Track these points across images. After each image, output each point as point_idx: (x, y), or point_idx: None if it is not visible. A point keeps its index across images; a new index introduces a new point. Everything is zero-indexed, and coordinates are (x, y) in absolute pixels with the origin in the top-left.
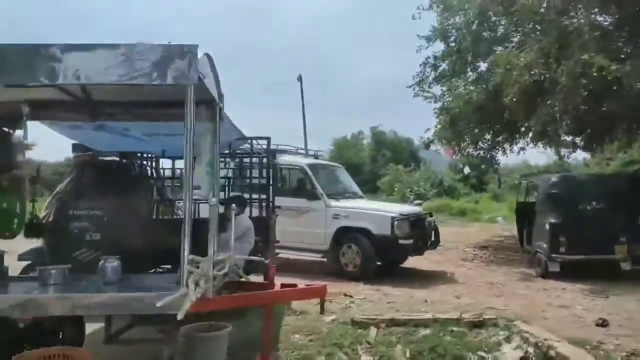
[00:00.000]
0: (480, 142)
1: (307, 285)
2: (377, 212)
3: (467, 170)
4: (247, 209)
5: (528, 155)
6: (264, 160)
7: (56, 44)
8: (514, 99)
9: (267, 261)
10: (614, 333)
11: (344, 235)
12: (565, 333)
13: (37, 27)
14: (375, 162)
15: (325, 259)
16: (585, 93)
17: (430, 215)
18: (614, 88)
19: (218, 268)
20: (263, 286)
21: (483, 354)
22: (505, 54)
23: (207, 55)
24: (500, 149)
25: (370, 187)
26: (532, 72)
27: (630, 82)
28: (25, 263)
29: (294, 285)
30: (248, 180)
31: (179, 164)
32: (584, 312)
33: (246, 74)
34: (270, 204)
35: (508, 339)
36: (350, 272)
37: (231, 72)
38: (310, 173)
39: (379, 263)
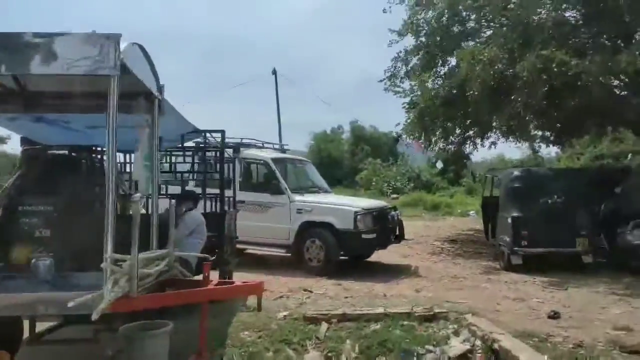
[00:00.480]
0: (450, 137)
1: (243, 282)
2: (340, 206)
3: (439, 165)
4: (202, 205)
5: (504, 149)
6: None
7: None
8: (477, 94)
9: (212, 257)
10: (564, 325)
11: (308, 230)
12: (516, 325)
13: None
14: (354, 156)
15: (289, 254)
16: (545, 88)
17: (395, 209)
18: (578, 83)
19: (151, 266)
20: (198, 284)
21: (431, 347)
22: (470, 50)
23: (138, 45)
24: (470, 143)
25: (349, 182)
26: (496, 67)
27: (589, 78)
28: None
29: (230, 283)
30: (201, 175)
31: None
32: (540, 305)
33: (226, 66)
34: (230, 199)
35: (457, 333)
36: (313, 267)
37: (211, 64)
38: (274, 167)
39: (344, 257)
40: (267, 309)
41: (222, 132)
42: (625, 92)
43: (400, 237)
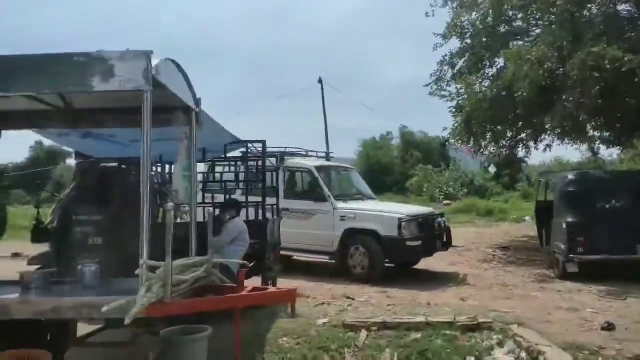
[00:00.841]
0: (501, 140)
1: (277, 288)
2: (384, 213)
3: (492, 169)
4: (245, 212)
5: (563, 152)
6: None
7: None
8: (526, 94)
9: (250, 265)
10: (619, 337)
11: (352, 236)
12: (565, 337)
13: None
14: (404, 162)
15: (333, 261)
16: (599, 87)
17: (442, 216)
18: (635, 80)
19: (187, 272)
20: (232, 290)
21: (472, 358)
22: (517, 49)
23: (171, 61)
24: (523, 146)
25: (400, 188)
26: (545, 66)
27: None
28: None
29: (264, 289)
30: (244, 184)
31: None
32: (594, 315)
33: (270, 77)
34: (273, 206)
35: (501, 344)
36: (357, 274)
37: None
38: (317, 175)
39: (389, 265)
40: (308, 315)
41: (263, 142)
42: None
43: (447, 244)
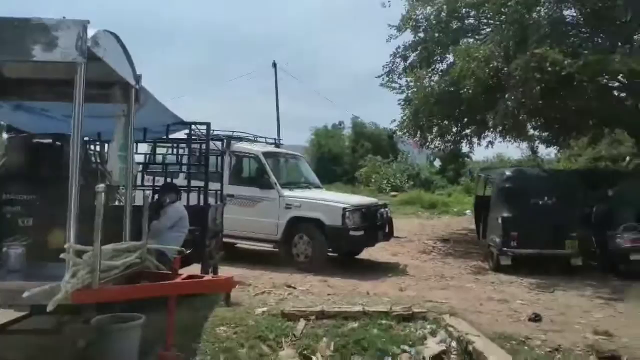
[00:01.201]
0: (447, 135)
1: (215, 276)
2: (329, 202)
3: (437, 163)
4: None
5: (505, 149)
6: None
7: None
8: (471, 91)
9: (188, 252)
10: (544, 328)
11: (297, 225)
12: (495, 327)
13: None
14: (355, 152)
15: (277, 249)
16: (539, 87)
17: (385, 207)
18: (573, 83)
19: (119, 257)
20: (166, 277)
21: (406, 347)
22: (465, 47)
23: (111, 33)
24: (467, 142)
25: (350, 178)
26: (491, 65)
27: (583, 78)
28: None
29: (201, 277)
30: (186, 168)
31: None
32: (523, 307)
33: (226, 58)
34: (217, 192)
35: (434, 333)
36: (301, 262)
37: (212, 58)
38: (264, 161)
39: (332, 254)
40: (247, 304)
41: (208, 124)
42: (621, 93)
43: (389, 235)
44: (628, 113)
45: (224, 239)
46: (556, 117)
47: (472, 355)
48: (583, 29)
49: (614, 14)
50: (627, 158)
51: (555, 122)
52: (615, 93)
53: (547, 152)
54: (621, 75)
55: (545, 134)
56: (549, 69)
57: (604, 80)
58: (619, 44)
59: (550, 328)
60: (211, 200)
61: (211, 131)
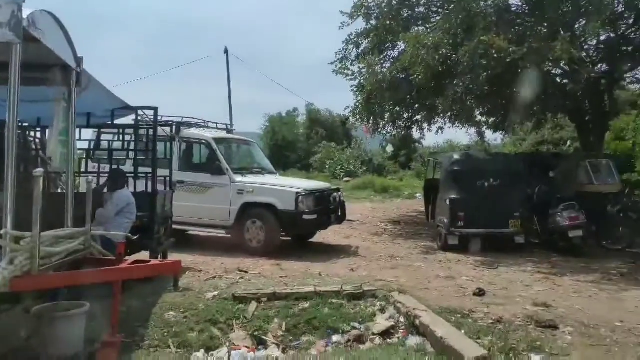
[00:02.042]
0: (398, 121)
1: (161, 261)
2: (282, 187)
3: (389, 148)
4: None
5: (455, 135)
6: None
7: None
8: (421, 78)
9: (134, 238)
10: (487, 302)
11: (249, 211)
12: (441, 302)
13: None
14: (309, 139)
15: (229, 235)
16: (486, 74)
17: (338, 191)
18: (518, 70)
19: (62, 244)
20: (111, 263)
21: (356, 324)
22: (415, 34)
23: (49, 14)
24: (418, 128)
25: (304, 165)
26: (440, 52)
27: (526, 65)
28: None
29: (147, 262)
30: (133, 154)
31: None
32: (468, 283)
33: (177, 43)
34: (166, 179)
35: (383, 310)
36: (253, 248)
37: (165, 44)
38: (215, 147)
39: (287, 238)
40: (198, 289)
41: (155, 109)
42: (563, 80)
43: (342, 218)
44: (569, 99)
45: (175, 226)
46: (502, 104)
47: (419, 329)
48: (527, 18)
49: (556, 3)
50: (568, 142)
51: (501, 108)
52: (558, 80)
53: (494, 138)
54: (563, 62)
55: (492, 119)
56: (495, 56)
57: (547, 68)
58: (561, 32)
59: (493, 302)
60: (160, 187)
61: (159, 117)
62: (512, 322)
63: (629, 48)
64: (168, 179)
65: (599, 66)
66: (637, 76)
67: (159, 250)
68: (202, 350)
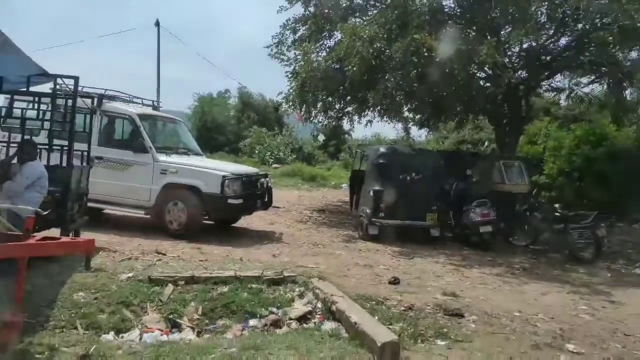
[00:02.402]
0: (330, 111)
1: (72, 239)
2: (208, 170)
3: (320, 137)
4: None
5: (383, 129)
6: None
7: None
8: (355, 69)
9: (45, 212)
10: (401, 290)
11: (171, 192)
12: (358, 289)
13: None
14: (240, 123)
15: (149, 216)
16: (415, 71)
17: (266, 176)
18: (446, 70)
19: None
20: (17, 239)
21: (274, 309)
22: (352, 25)
23: None
24: (348, 119)
25: (233, 148)
26: (375, 46)
27: (454, 66)
28: None
29: (57, 239)
30: (48, 124)
31: None
32: (385, 271)
33: (106, 11)
34: (84, 153)
35: (302, 295)
36: (174, 230)
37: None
38: (139, 123)
39: (210, 222)
40: (111, 270)
41: (76, 78)
42: (485, 83)
43: (268, 204)
44: (490, 102)
45: (90, 204)
46: (429, 101)
47: (335, 314)
48: (458, 20)
49: (486, 9)
50: (486, 143)
51: (428, 106)
52: (481, 83)
53: (419, 134)
54: (487, 66)
55: (419, 116)
56: (426, 54)
57: (472, 70)
58: (488, 37)
59: (406, 290)
60: (76, 162)
61: (80, 87)
62: (423, 309)
63: (548, 57)
64: (85, 153)
65: (519, 73)
66: (552, 85)
67: (71, 228)
68: (112, 333)
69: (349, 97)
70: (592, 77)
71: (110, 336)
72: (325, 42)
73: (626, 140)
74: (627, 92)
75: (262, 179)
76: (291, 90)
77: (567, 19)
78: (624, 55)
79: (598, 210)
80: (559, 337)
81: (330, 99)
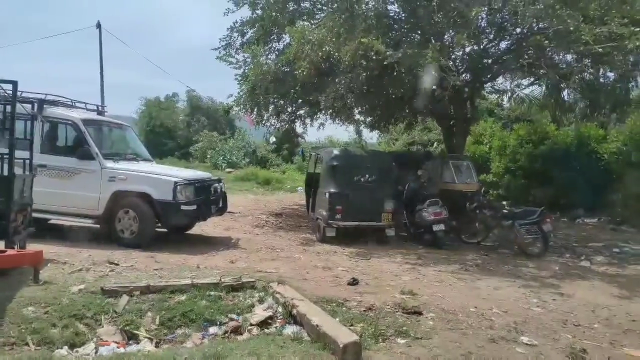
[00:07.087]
0: (282, 114)
1: (19, 251)
2: (159, 176)
3: (272, 140)
4: None
5: (334, 132)
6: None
7: None
8: (305, 73)
9: None
10: (361, 291)
11: (121, 199)
12: (318, 292)
13: None
14: (190, 127)
15: (98, 226)
16: (365, 75)
17: (219, 181)
18: (394, 73)
19: None
20: None
21: (234, 315)
22: (301, 28)
23: None
24: (301, 122)
25: (184, 153)
26: (324, 49)
27: (401, 69)
28: None
29: (2, 252)
30: None
31: None
32: (343, 273)
33: (45, 12)
34: (26, 161)
35: (262, 300)
36: (126, 239)
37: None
38: (83, 129)
39: (163, 230)
40: (61, 283)
41: (14, 83)
42: (432, 86)
43: (223, 210)
44: (437, 104)
45: (35, 214)
46: (379, 104)
47: (296, 318)
48: (403, 24)
49: (429, 13)
50: (435, 144)
51: (378, 109)
52: (428, 85)
53: (371, 136)
54: (433, 70)
55: (369, 118)
56: (374, 57)
57: (419, 73)
58: (432, 40)
59: (366, 290)
60: (18, 170)
61: (19, 92)
62: (382, 309)
63: (489, 60)
64: (27, 161)
65: (463, 75)
66: (495, 87)
67: (15, 240)
68: (66, 347)
69: (300, 100)
70: (532, 79)
71: (64, 351)
72: (274, 45)
73: (566, 139)
74: (565, 92)
75: (216, 184)
76: (242, 94)
77: (506, 23)
78: (560, 58)
79: (543, 207)
80: (513, 330)
81: (282, 102)
